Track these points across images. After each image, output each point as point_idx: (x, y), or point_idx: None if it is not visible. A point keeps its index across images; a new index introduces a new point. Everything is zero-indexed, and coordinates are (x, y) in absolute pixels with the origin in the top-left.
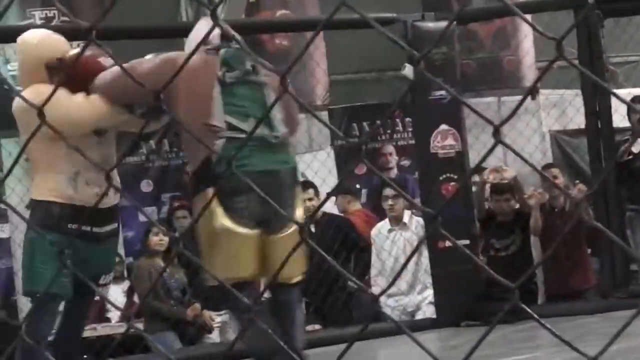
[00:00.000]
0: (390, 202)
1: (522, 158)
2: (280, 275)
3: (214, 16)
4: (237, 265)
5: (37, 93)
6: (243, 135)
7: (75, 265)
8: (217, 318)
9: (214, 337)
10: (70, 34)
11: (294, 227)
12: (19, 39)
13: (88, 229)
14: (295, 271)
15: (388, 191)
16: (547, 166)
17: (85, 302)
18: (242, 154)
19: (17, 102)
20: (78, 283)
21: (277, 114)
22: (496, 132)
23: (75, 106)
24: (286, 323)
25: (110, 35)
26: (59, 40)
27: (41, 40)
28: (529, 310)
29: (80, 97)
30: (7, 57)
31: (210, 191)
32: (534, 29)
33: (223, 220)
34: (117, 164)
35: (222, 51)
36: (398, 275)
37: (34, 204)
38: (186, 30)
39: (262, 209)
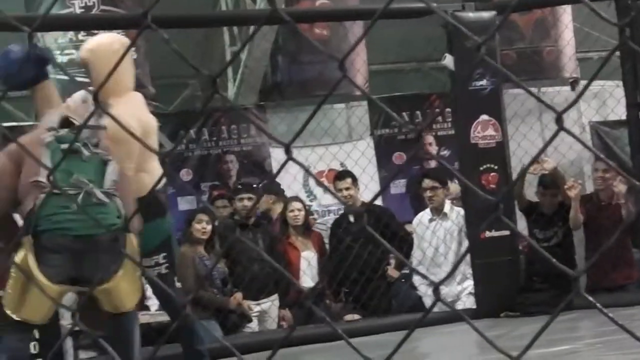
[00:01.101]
0: (429, 192)
1: (585, 145)
2: (118, 307)
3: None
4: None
5: None
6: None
7: None
8: (256, 307)
9: (253, 326)
10: (122, 22)
11: (120, 273)
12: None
13: None
14: (128, 302)
15: (427, 182)
16: (597, 159)
17: None
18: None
19: None
20: None
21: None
22: (559, 119)
23: None
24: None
25: (153, 23)
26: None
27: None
28: (591, 299)
29: None
30: (46, 45)
31: (27, 239)
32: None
33: (34, 271)
34: None
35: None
36: (457, 265)
37: None
38: (226, 19)
39: (74, 269)
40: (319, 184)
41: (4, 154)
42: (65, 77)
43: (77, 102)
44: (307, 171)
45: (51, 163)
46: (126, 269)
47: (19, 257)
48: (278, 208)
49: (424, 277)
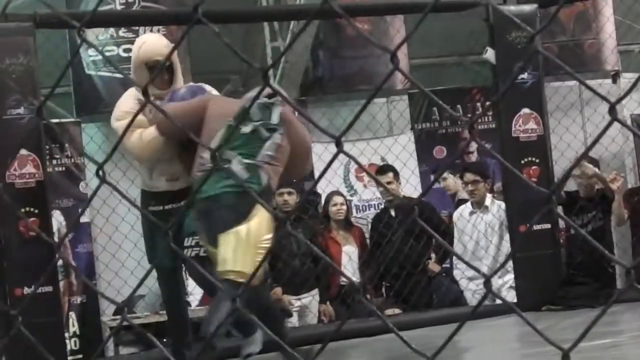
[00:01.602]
0: (470, 187)
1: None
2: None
3: None
4: None
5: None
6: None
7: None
8: (296, 302)
9: (294, 321)
10: (169, 18)
11: (232, 230)
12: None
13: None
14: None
15: (468, 176)
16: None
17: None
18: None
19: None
20: None
21: None
22: (612, 110)
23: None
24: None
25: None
26: (157, 45)
27: (146, 43)
28: None
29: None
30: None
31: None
32: None
33: None
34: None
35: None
36: (508, 259)
37: None
38: (269, 14)
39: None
40: (370, 175)
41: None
42: (107, 74)
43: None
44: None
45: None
46: (237, 232)
47: None
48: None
49: (475, 269)
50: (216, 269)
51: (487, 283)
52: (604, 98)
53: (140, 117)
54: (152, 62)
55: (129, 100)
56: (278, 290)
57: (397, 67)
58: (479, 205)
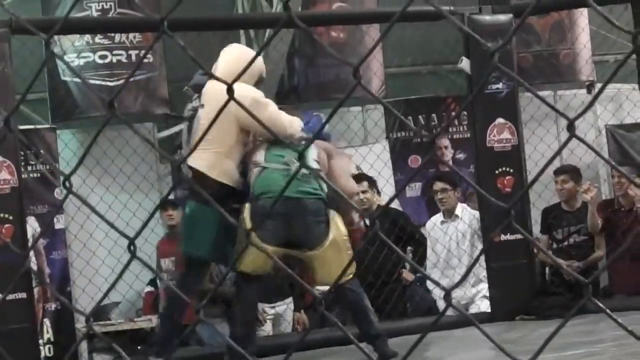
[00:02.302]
0: (440, 195)
1: (597, 153)
2: (325, 278)
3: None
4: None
5: (259, 94)
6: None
7: None
8: (270, 310)
9: (267, 329)
10: (140, 25)
11: (327, 243)
12: (244, 50)
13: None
14: (334, 274)
15: (438, 184)
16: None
17: None
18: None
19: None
20: None
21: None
22: (570, 126)
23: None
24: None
25: (170, 27)
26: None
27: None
28: (600, 305)
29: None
30: (63, 49)
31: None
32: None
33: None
34: None
35: None
36: (469, 271)
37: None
38: (243, 22)
39: (285, 232)
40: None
41: None
42: (79, 80)
43: None
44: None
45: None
46: (333, 242)
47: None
48: None
49: (436, 283)
50: (320, 278)
51: (447, 296)
52: (562, 114)
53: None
54: (264, 78)
55: (257, 90)
56: None
57: (359, 82)
58: (450, 214)
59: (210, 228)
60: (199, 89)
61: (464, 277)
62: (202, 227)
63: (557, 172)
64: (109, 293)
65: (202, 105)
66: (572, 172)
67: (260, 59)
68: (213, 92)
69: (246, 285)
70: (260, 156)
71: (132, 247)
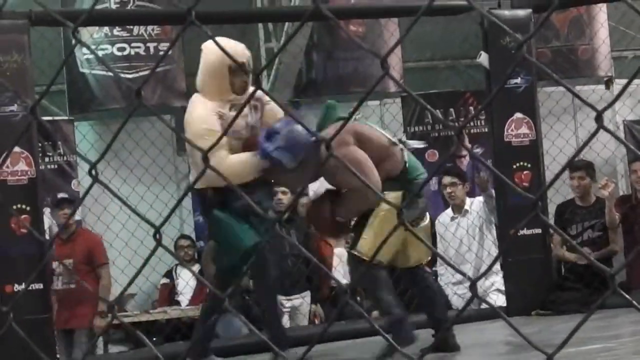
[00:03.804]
0: (449, 189)
1: (626, 145)
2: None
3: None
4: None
5: (201, 129)
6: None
7: None
8: (287, 303)
9: (284, 322)
10: (163, 18)
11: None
12: (204, 45)
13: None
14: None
15: (446, 179)
16: (633, 160)
17: None
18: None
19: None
20: None
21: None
22: (599, 117)
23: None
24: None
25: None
26: (239, 47)
27: (231, 45)
28: (627, 297)
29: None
30: (82, 39)
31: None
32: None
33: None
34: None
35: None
36: (493, 264)
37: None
38: (264, 16)
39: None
40: (360, 180)
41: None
42: (101, 72)
43: None
44: (348, 168)
45: None
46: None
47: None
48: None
49: (461, 273)
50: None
51: (473, 287)
52: (590, 106)
53: (219, 131)
54: (236, 64)
55: (207, 114)
56: None
57: (387, 73)
58: (459, 209)
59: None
60: None
61: (489, 269)
62: (231, 234)
63: (573, 169)
64: (132, 282)
65: None
66: (588, 168)
67: (226, 46)
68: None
69: (379, 272)
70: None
71: (157, 236)
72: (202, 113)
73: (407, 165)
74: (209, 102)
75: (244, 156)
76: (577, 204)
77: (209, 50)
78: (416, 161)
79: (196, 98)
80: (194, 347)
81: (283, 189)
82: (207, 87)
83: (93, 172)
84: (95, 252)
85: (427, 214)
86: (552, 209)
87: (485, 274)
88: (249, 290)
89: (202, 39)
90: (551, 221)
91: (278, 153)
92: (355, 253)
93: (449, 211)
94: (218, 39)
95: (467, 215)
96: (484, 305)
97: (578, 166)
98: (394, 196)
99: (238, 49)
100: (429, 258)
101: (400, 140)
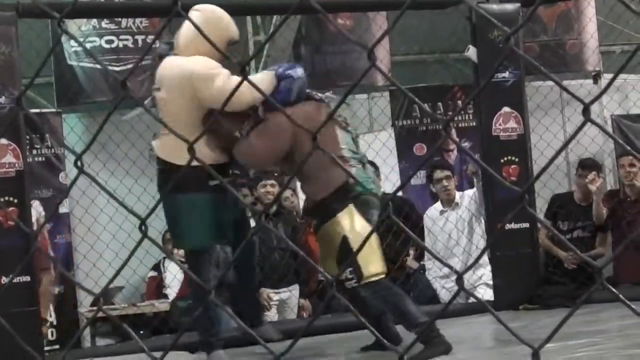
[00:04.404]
0: (444, 182)
1: (614, 138)
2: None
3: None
4: (381, 262)
5: (209, 66)
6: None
7: None
8: (275, 296)
9: (272, 315)
10: (149, 10)
11: None
12: (208, 7)
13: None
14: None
15: (440, 173)
16: (620, 154)
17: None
18: (367, 179)
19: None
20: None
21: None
22: (586, 110)
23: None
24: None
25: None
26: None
27: (230, 20)
28: (614, 290)
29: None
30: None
31: (352, 207)
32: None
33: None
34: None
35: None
36: (479, 257)
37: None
38: (251, 9)
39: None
40: (346, 172)
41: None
42: (89, 65)
43: None
44: (334, 160)
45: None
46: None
47: (349, 223)
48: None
49: (449, 267)
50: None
51: (460, 279)
52: (577, 99)
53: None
54: (234, 42)
55: (210, 61)
56: None
57: (373, 64)
58: (449, 203)
59: (205, 213)
60: (162, 58)
61: (476, 262)
62: (197, 215)
63: (587, 167)
64: (118, 274)
65: (158, 89)
66: (599, 168)
67: (227, 20)
68: (169, 70)
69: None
70: (344, 150)
71: (143, 227)
72: (202, 60)
73: (348, 181)
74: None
75: (259, 75)
76: (575, 200)
77: (214, 19)
78: (368, 177)
79: (177, 58)
80: (202, 343)
81: (272, 181)
82: (197, 52)
83: (79, 163)
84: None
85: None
86: (539, 203)
87: (472, 267)
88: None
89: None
90: (540, 214)
91: (291, 79)
92: (367, 281)
93: (437, 205)
94: (216, 8)
95: (456, 209)
96: (471, 299)
97: (592, 165)
98: (346, 210)
99: (234, 25)
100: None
101: (354, 153)
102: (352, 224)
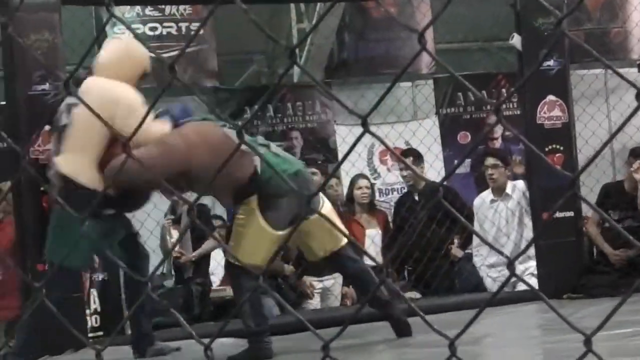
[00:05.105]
0: (490, 171)
1: None
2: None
3: None
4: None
5: (137, 99)
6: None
7: None
8: (318, 284)
9: (315, 303)
10: None
11: (324, 206)
12: (130, 39)
13: None
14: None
15: (489, 160)
16: None
17: None
18: (279, 161)
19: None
20: None
21: None
22: (639, 96)
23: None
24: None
25: None
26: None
27: (147, 53)
28: None
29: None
30: (114, 20)
31: (254, 198)
32: None
33: (262, 223)
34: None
35: None
36: (529, 246)
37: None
38: None
39: (298, 206)
40: (398, 158)
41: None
42: None
43: None
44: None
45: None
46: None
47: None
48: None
49: (499, 252)
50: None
51: (511, 266)
52: (631, 84)
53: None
54: (147, 74)
55: (138, 95)
56: (290, 267)
57: (424, 48)
58: (500, 191)
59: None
60: (77, 82)
61: (526, 250)
62: (74, 236)
63: (637, 156)
64: (165, 260)
65: (76, 105)
66: None
67: (143, 51)
68: (93, 90)
69: (249, 279)
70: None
71: (191, 212)
72: (133, 90)
73: (257, 169)
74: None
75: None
76: (626, 189)
77: (132, 47)
78: (280, 159)
79: (104, 80)
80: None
81: (312, 169)
82: (116, 76)
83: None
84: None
85: (322, 199)
86: (584, 191)
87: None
88: (285, 275)
89: (233, 20)
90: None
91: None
92: (232, 261)
93: (487, 193)
94: (134, 41)
95: (506, 199)
96: (519, 288)
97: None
98: (250, 200)
99: (148, 59)
100: (342, 243)
101: (261, 144)
102: (248, 218)
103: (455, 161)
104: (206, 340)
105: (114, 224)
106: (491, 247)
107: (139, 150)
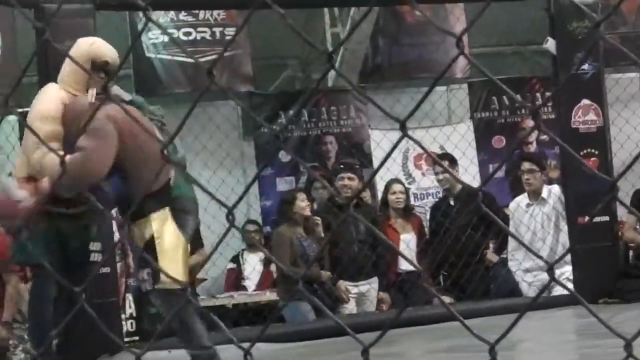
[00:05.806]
0: (527, 175)
1: None
2: None
3: None
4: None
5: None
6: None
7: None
8: (353, 289)
9: (351, 308)
10: (232, 2)
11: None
12: (78, 43)
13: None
14: None
15: (526, 165)
16: None
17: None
18: (182, 183)
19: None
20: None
21: None
22: None
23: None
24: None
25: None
26: (108, 47)
27: (95, 42)
28: None
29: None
30: (148, 25)
31: (167, 210)
32: None
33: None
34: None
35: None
36: (567, 252)
37: None
38: (327, 0)
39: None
40: (436, 161)
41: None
42: (167, 56)
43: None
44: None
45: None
46: None
47: (160, 226)
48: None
49: (538, 257)
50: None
51: (550, 270)
52: None
53: (57, 125)
54: (101, 62)
55: (54, 102)
56: (327, 273)
57: (462, 52)
58: (536, 196)
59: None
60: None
61: (564, 255)
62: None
63: None
64: (205, 264)
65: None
66: None
67: (90, 44)
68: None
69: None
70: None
71: (230, 217)
72: (47, 98)
73: (170, 181)
74: (59, 91)
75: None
76: None
77: (77, 44)
78: (186, 181)
79: (50, 85)
80: None
81: (349, 174)
82: (65, 76)
83: (166, 151)
84: (3, 257)
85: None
86: (620, 196)
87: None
88: (321, 281)
89: (267, 25)
90: (621, 208)
91: None
92: (161, 287)
93: (523, 198)
94: (91, 38)
95: (543, 204)
96: (554, 293)
97: None
98: (161, 212)
99: (106, 47)
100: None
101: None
102: (163, 227)
103: (491, 165)
104: (245, 345)
105: (62, 224)
106: (531, 251)
107: (83, 143)
